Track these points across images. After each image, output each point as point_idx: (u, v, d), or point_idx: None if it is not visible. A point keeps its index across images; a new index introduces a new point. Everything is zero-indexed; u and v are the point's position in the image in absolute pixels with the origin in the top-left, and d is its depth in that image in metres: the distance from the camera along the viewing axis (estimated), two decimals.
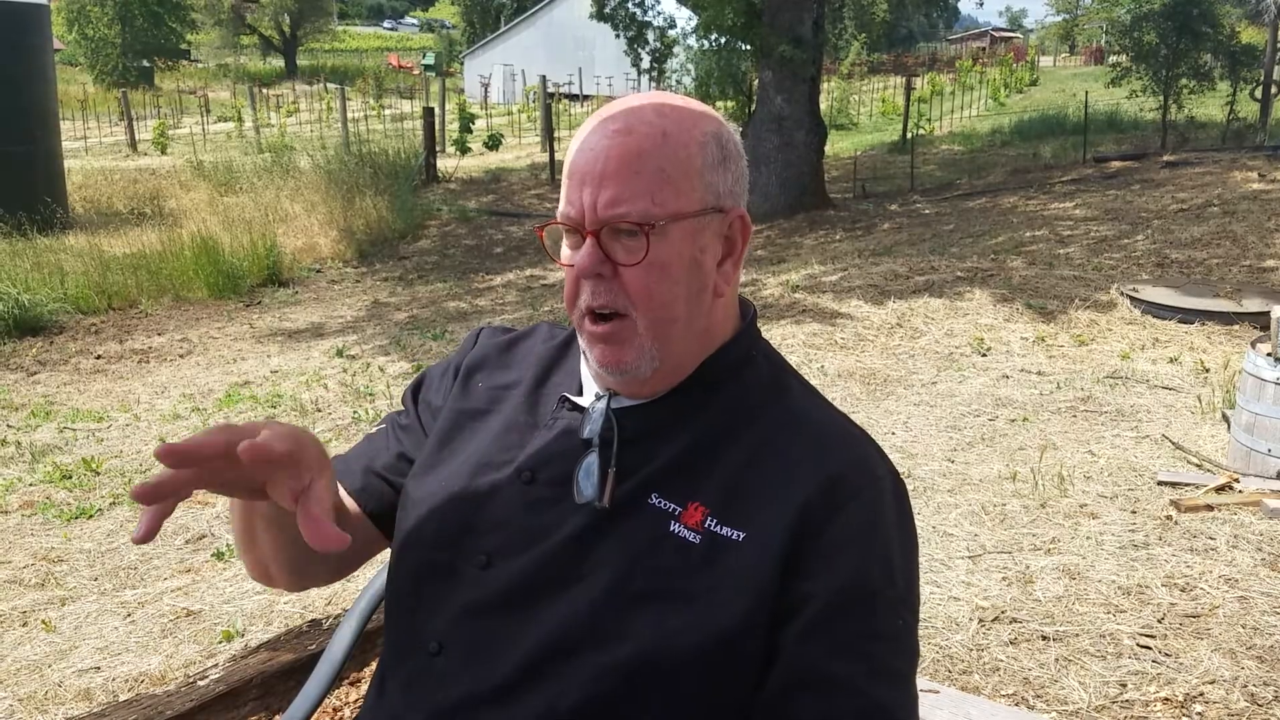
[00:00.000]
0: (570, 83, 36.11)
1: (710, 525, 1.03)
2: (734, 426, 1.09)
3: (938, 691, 2.67)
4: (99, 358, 7.58)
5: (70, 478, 4.93)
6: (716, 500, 1.04)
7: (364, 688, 2.87)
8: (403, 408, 1.33)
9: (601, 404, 1.11)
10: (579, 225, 1.05)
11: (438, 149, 18.01)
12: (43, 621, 3.50)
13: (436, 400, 1.27)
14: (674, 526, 1.04)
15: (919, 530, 1.14)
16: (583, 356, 1.16)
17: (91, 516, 4.47)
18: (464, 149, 19.38)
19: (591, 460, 1.08)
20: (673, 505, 1.05)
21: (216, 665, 2.82)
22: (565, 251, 1.09)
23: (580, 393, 1.16)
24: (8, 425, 5.91)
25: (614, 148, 1.04)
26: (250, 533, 1.15)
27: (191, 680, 2.71)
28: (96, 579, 3.87)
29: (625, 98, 1.11)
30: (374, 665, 2.86)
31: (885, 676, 1.00)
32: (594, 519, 1.05)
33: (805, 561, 1.01)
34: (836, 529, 1.01)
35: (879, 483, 1.06)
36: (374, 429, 1.33)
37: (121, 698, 2.90)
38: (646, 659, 1.00)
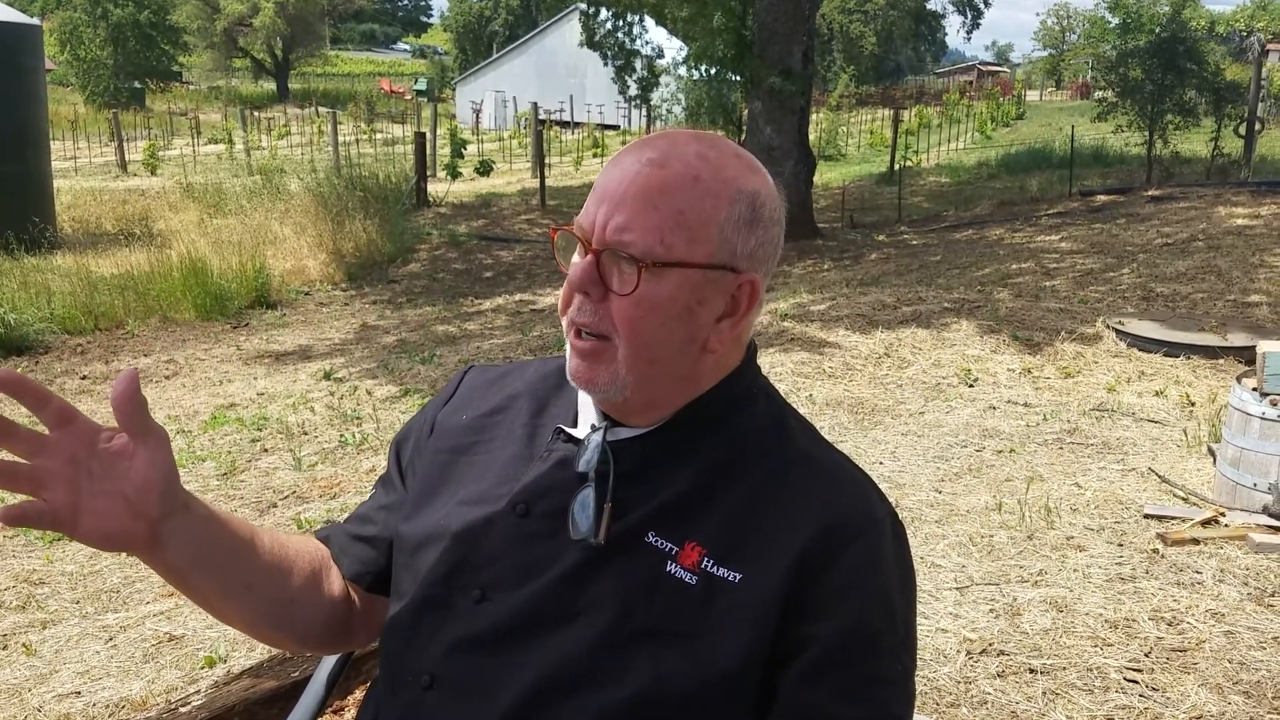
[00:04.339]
0: (561, 110, 36.35)
1: (707, 566, 1.02)
2: (733, 466, 1.07)
3: None
4: (85, 378, 7.55)
5: None
6: (714, 541, 1.03)
7: (346, 717, 2.84)
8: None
9: (597, 437, 1.09)
10: (586, 239, 1.04)
11: (429, 173, 18.09)
12: (23, 645, 3.46)
13: (420, 443, 1.26)
14: (670, 567, 1.02)
15: None
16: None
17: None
18: (455, 174, 19.44)
19: (587, 494, 1.06)
20: (670, 545, 1.03)
21: (199, 691, 2.78)
22: (574, 259, 1.07)
23: (575, 424, 1.14)
24: None
25: (641, 175, 1.02)
26: (207, 592, 1.10)
27: (173, 706, 2.69)
28: (78, 602, 3.83)
29: (679, 131, 1.09)
30: (358, 694, 2.84)
31: None
32: (589, 555, 1.04)
33: (805, 604, 1.00)
34: (837, 572, 1.01)
35: (879, 525, 1.06)
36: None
37: None
38: (643, 700, 0.99)
